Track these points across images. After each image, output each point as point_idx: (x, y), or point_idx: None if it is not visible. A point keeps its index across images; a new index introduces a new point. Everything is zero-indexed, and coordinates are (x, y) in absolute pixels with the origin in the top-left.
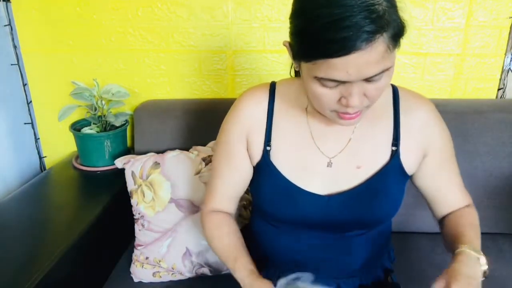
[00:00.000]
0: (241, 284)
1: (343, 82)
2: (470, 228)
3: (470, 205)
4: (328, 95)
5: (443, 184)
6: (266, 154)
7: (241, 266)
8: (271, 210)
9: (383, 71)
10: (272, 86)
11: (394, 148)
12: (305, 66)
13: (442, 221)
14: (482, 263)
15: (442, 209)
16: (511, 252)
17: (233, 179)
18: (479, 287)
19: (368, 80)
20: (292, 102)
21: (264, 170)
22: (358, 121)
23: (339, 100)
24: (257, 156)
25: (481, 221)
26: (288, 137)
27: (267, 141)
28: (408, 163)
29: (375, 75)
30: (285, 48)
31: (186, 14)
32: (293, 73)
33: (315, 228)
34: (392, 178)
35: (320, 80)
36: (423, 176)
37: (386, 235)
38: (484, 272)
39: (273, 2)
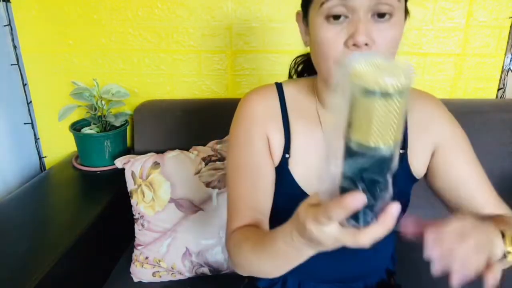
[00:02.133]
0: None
1: (351, 11)
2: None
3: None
4: (334, 37)
5: (464, 180)
6: (284, 162)
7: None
8: (282, 218)
9: (388, 4)
10: (279, 87)
11: (401, 151)
12: (314, 12)
13: None
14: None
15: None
16: None
17: (260, 185)
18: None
19: (375, 15)
20: (302, 103)
21: (280, 178)
22: None
23: (346, 43)
24: (275, 162)
25: None
26: (305, 144)
27: (287, 148)
28: (417, 165)
29: (382, 5)
30: (284, 48)
31: (186, 14)
32: (294, 76)
33: None
34: (400, 182)
35: (327, 7)
36: (438, 174)
37: (391, 238)
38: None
39: (273, 2)
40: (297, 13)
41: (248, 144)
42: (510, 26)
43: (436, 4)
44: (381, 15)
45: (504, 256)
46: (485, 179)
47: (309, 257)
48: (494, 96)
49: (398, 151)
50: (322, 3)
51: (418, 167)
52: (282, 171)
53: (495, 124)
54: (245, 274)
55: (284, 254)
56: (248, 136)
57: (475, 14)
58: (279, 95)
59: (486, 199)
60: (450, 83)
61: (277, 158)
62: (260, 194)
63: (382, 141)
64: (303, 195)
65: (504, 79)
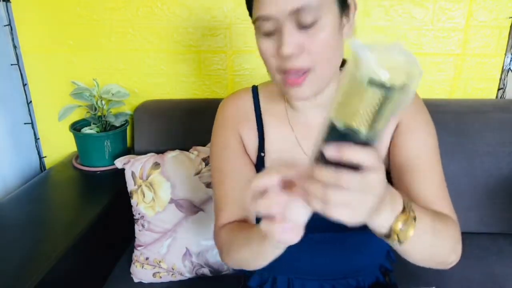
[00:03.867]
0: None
1: (276, 24)
2: (435, 215)
3: (454, 220)
4: (268, 48)
5: (419, 166)
6: (260, 161)
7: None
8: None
9: (310, 12)
10: (254, 90)
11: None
12: (255, 25)
13: None
14: (397, 210)
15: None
16: (511, 252)
17: (243, 183)
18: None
19: (299, 25)
20: (274, 104)
21: None
22: (309, 93)
23: (277, 54)
24: (252, 162)
25: (481, 221)
26: (278, 143)
27: (261, 146)
28: (379, 146)
29: (303, 14)
30: None
31: (186, 14)
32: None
33: (309, 231)
34: None
35: (258, 26)
36: (396, 152)
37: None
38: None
39: None
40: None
41: (225, 147)
42: (510, 26)
43: (436, 4)
44: (304, 26)
45: (389, 234)
46: (440, 173)
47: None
48: (494, 96)
49: (378, 140)
50: (254, 22)
51: (380, 148)
52: (260, 170)
53: (495, 124)
54: (233, 265)
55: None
56: (224, 139)
57: (475, 14)
58: (253, 97)
59: (435, 194)
60: (450, 83)
61: (253, 158)
62: (242, 190)
63: (364, 125)
64: None
65: (504, 79)
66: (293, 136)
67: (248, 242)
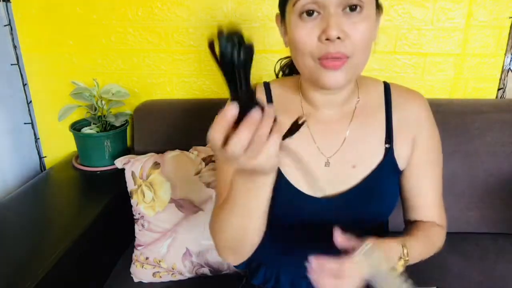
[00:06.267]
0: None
1: (322, 7)
2: (423, 240)
3: (443, 227)
4: (308, 34)
5: (424, 191)
6: None
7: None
8: (276, 210)
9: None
10: (266, 86)
11: (387, 146)
12: (289, 12)
13: (407, 224)
14: (399, 263)
15: (414, 216)
16: (511, 252)
17: None
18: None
19: (346, 7)
20: (288, 100)
21: None
22: (343, 80)
23: (320, 38)
24: None
25: (481, 221)
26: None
27: None
28: (401, 158)
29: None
30: (284, 48)
31: (186, 14)
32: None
33: (314, 231)
34: (387, 175)
35: (301, 10)
36: (409, 175)
37: (384, 235)
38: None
39: (273, 2)
40: (276, 16)
41: None
42: (510, 26)
43: (436, 4)
44: (352, 8)
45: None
46: (439, 196)
47: (265, 190)
48: (494, 96)
49: None
50: (295, 3)
51: (401, 160)
52: None
53: (495, 124)
54: (221, 251)
55: (243, 194)
56: None
57: (475, 14)
58: (266, 93)
59: (432, 211)
60: (450, 83)
61: None
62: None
63: None
64: (287, 184)
65: (504, 79)
66: (306, 129)
67: (231, 200)
